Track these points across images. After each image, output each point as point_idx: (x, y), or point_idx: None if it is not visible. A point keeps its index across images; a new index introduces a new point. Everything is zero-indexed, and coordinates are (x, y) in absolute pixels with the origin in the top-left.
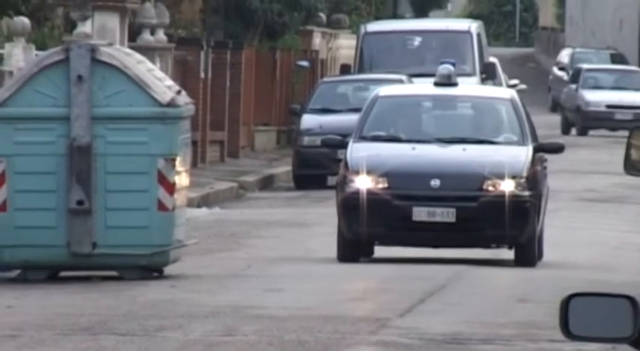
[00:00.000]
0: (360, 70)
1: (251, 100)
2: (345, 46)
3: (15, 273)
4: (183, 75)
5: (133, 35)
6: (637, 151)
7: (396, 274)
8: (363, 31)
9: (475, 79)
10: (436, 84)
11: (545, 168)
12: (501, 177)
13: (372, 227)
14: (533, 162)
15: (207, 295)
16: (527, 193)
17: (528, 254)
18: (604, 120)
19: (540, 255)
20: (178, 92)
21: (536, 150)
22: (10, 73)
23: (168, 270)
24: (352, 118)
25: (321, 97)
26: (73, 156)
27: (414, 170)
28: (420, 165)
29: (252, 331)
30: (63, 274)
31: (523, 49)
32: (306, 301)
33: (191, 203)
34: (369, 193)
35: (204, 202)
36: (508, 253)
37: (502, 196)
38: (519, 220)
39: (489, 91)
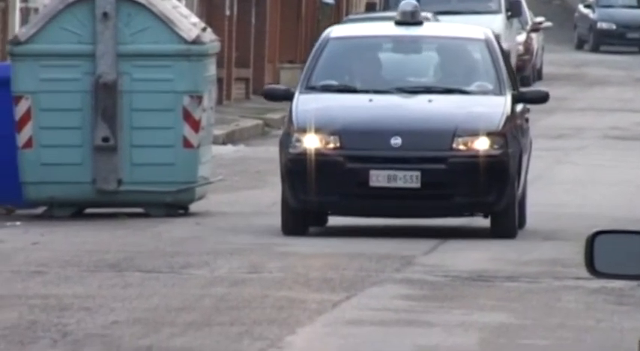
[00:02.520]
0: (386, 8)
1: (276, 38)
2: None
3: (41, 209)
4: (209, 12)
5: None
6: None
7: None
8: None
9: (501, 17)
10: (397, 23)
11: (527, 120)
12: (474, 133)
13: (322, 195)
14: (513, 114)
15: (233, 233)
16: (504, 151)
17: (507, 224)
18: None
19: (522, 223)
20: (204, 29)
21: (515, 100)
22: (36, 10)
23: (193, 207)
24: None
25: None
26: (98, 93)
27: (370, 126)
28: (378, 120)
29: (277, 268)
30: (88, 210)
31: None
32: (331, 238)
33: (216, 140)
34: (318, 154)
35: (230, 139)
36: (484, 222)
37: (475, 156)
38: (496, 185)
39: (460, 30)
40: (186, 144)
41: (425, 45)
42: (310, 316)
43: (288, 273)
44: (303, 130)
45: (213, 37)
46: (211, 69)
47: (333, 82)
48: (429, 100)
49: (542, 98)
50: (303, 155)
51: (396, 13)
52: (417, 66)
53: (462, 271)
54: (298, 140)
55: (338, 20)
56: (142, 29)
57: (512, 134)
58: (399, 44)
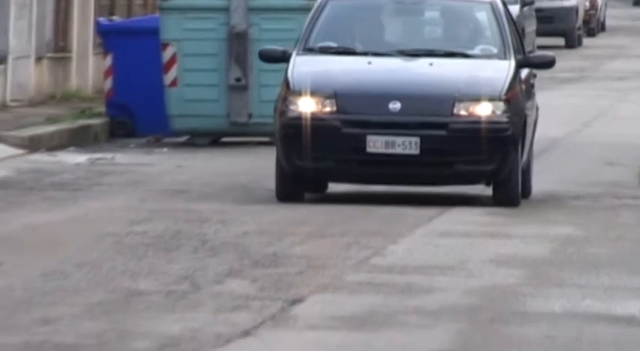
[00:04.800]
0: None
1: None
2: None
3: (184, 138)
4: None
5: None
6: None
7: None
8: None
9: None
10: None
11: (532, 86)
12: (476, 98)
13: (318, 161)
14: (517, 79)
15: None
16: (508, 118)
17: (509, 192)
18: None
19: (527, 191)
20: None
21: (520, 65)
22: None
23: None
24: None
25: None
26: (232, 41)
27: (368, 90)
28: (376, 83)
29: (382, 187)
30: (224, 140)
31: None
32: None
33: None
34: (314, 118)
35: None
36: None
37: (477, 122)
38: (498, 152)
39: None
40: None
41: (428, 7)
42: (409, 229)
43: (392, 191)
44: (299, 94)
45: None
46: None
47: (332, 44)
48: (430, 64)
49: (548, 63)
50: (298, 119)
51: None
52: (420, 28)
53: (537, 191)
54: (294, 104)
55: None
56: None
57: (516, 100)
58: (402, 5)
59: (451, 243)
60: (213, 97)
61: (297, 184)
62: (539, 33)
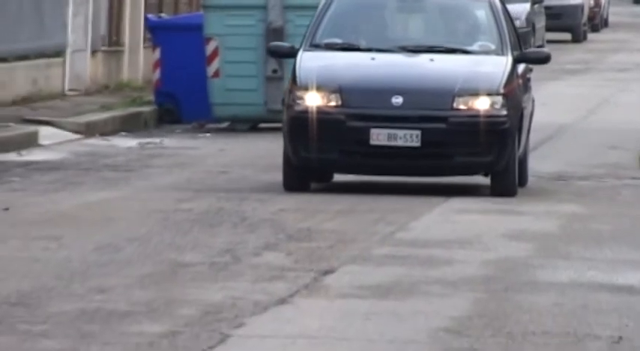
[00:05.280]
0: None
1: None
2: None
3: (225, 124)
4: None
5: None
6: None
7: None
8: None
9: None
10: None
11: (529, 80)
12: (475, 93)
13: (323, 153)
14: (514, 74)
15: None
16: (505, 112)
17: (507, 182)
18: None
19: (523, 181)
20: None
21: (517, 60)
22: None
23: None
24: None
25: None
26: (269, 36)
27: (372, 85)
28: (379, 78)
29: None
30: (261, 125)
31: None
32: None
33: None
34: (320, 112)
35: None
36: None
37: (476, 116)
38: (496, 145)
39: None
40: None
41: (429, 4)
42: (429, 207)
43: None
44: (305, 88)
45: None
46: None
47: (337, 40)
48: (431, 60)
49: (543, 59)
50: (304, 113)
51: None
52: (421, 25)
53: (546, 172)
54: (300, 98)
55: None
56: None
57: (513, 94)
58: (404, 3)
59: (467, 219)
60: (252, 86)
61: (303, 175)
62: (548, 28)
